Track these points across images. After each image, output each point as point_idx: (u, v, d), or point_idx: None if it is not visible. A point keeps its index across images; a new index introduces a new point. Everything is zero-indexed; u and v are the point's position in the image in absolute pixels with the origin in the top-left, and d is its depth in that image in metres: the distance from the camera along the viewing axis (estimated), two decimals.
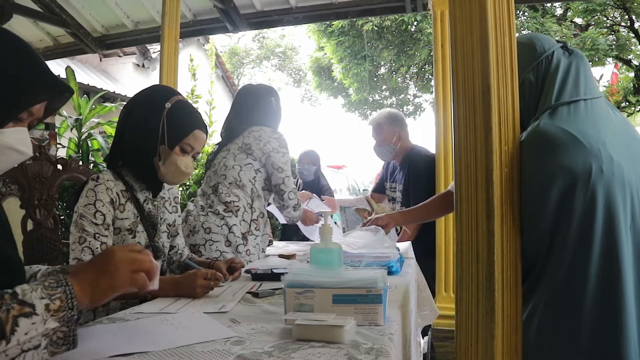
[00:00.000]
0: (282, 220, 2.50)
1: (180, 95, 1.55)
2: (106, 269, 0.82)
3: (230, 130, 2.23)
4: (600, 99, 1.22)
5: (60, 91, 0.96)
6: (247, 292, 1.36)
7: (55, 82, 0.94)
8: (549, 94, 1.20)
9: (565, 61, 1.23)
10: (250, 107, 2.22)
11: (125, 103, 1.59)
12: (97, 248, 1.34)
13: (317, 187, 4.13)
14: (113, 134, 4.07)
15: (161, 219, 1.56)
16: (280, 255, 2.17)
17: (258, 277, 1.57)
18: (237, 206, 2.05)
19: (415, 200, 2.76)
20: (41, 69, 0.92)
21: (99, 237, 1.35)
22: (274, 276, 1.53)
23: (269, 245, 2.57)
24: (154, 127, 1.46)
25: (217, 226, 2.01)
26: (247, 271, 1.62)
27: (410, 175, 2.78)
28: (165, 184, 1.58)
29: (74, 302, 0.77)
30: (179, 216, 1.69)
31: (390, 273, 1.56)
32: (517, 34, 1.17)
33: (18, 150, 0.89)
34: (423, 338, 2.36)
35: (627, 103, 8.78)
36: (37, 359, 0.75)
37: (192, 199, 2.20)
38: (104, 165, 3.45)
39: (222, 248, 1.99)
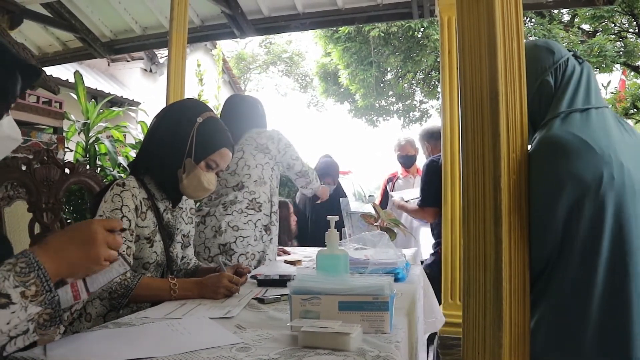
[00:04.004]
0: None
1: (212, 112, 1.57)
2: (82, 240, 0.81)
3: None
4: (607, 108, 1.23)
5: (33, 75, 0.94)
6: (253, 298, 1.36)
7: (28, 67, 0.92)
8: (561, 100, 1.20)
9: (578, 68, 1.24)
10: (247, 113, 2.42)
11: (156, 112, 1.60)
12: (123, 251, 1.34)
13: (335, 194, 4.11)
14: (120, 139, 4.07)
15: (178, 229, 1.56)
16: (286, 261, 2.17)
17: (264, 282, 1.57)
18: (260, 202, 2.20)
19: (421, 194, 3.02)
20: (13, 55, 0.90)
21: (125, 240, 1.36)
22: (279, 282, 1.53)
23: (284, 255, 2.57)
24: (183, 139, 1.48)
25: (244, 223, 2.15)
26: (253, 277, 1.62)
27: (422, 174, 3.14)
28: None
29: (50, 284, 0.75)
30: (193, 227, 1.70)
31: (396, 280, 1.56)
32: (525, 40, 1.16)
33: (16, 138, 0.91)
34: (429, 346, 2.34)
35: (635, 110, 8.72)
36: (28, 342, 0.74)
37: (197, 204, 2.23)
38: (111, 169, 3.48)
39: (252, 242, 2.14)
